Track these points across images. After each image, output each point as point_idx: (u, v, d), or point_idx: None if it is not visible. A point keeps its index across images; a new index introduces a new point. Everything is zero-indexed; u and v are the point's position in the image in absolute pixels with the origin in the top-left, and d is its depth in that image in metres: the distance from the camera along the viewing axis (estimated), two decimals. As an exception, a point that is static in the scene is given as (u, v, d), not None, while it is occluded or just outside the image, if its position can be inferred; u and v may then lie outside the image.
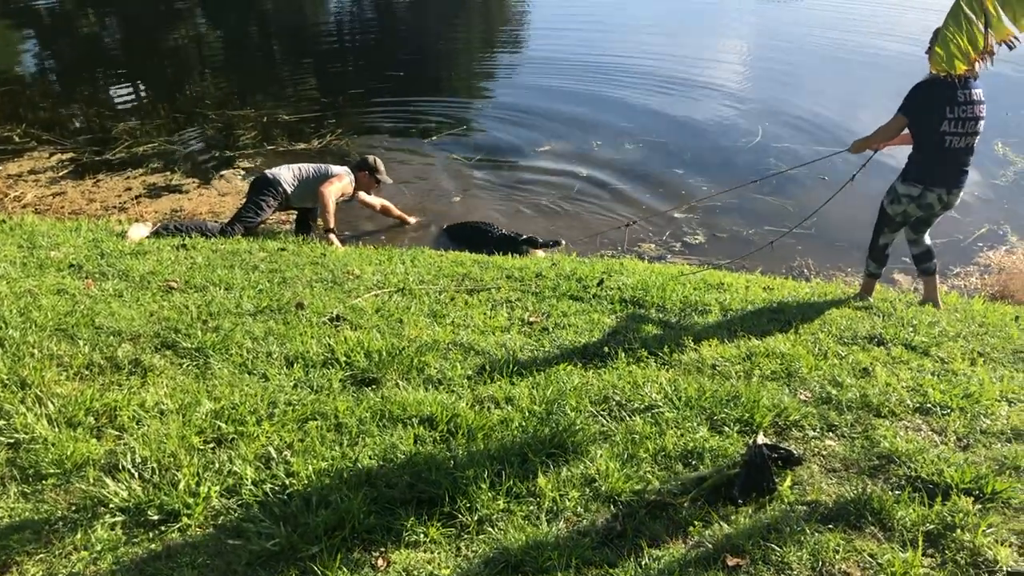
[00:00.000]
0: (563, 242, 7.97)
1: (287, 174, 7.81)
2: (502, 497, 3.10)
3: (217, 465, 3.21)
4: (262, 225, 7.74)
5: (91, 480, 3.09)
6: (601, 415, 3.75)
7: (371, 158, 8.28)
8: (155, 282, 5.32)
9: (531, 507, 3.07)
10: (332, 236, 7.54)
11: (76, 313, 4.53)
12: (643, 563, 2.78)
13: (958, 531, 2.95)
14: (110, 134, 11.08)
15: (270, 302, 4.96)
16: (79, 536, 2.82)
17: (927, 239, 5.70)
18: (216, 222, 7.78)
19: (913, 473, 3.35)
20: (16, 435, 3.33)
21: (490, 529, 2.95)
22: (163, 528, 2.89)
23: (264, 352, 4.23)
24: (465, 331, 4.73)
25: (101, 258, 5.89)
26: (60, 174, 9.62)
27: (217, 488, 3.08)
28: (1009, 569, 2.78)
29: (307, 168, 7.98)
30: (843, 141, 5.77)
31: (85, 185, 9.30)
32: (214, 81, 14.87)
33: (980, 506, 3.14)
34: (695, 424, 3.68)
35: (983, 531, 2.94)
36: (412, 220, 8.63)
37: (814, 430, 3.71)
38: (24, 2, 23.14)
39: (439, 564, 2.77)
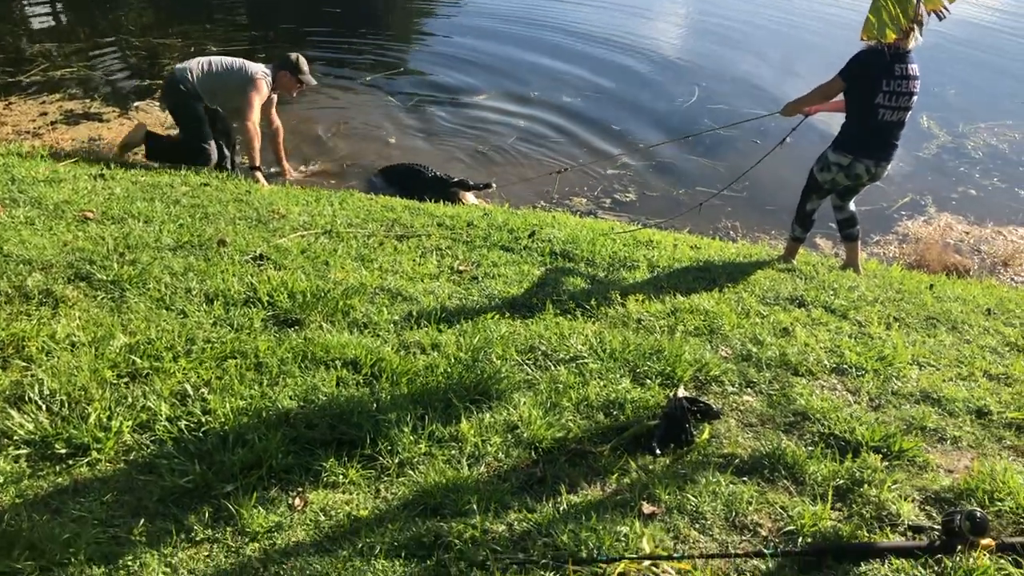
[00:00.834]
0: (494, 185, 7.91)
1: (195, 66, 7.14)
2: (424, 441, 3.08)
3: (130, 400, 3.11)
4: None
5: (-5, 411, 2.97)
6: (527, 364, 3.76)
7: (293, 55, 7.40)
8: (70, 211, 5.10)
9: (453, 452, 3.07)
10: (258, 174, 7.16)
11: (-17, 239, 4.33)
12: (561, 509, 2.81)
13: (866, 487, 3.06)
14: (24, 55, 10.52)
15: (191, 238, 4.81)
16: (-20, 468, 2.72)
17: (852, 206, 5.83)
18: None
19: (826, 430, 3.45)
20: (-86, 362, 3.17)
21: (411, 472, 2.94)
22: (71, 462, 2.80)
23: (183, 288, 4.10)
24: (393, 277, 4.66)
25: (12, 184, 5.60)
26: (-34, 95, 9.13)
27: (129, 423, 2.99)
28: (910, 523, 2.90)
29: (218, 63, 7.23)
30: (778, 105, 5.81)
31: (-5, 107, 8.85)
32: (139, 6, 14.22)
33: (887, 463, 3.25)
34: (618, 376, 3.71)
35: (889, 487, 3.06)
36: (290, 173, 7.94)
37: (733, 386, 3.79)
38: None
39: (358, 505, 2.75)
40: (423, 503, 2.77)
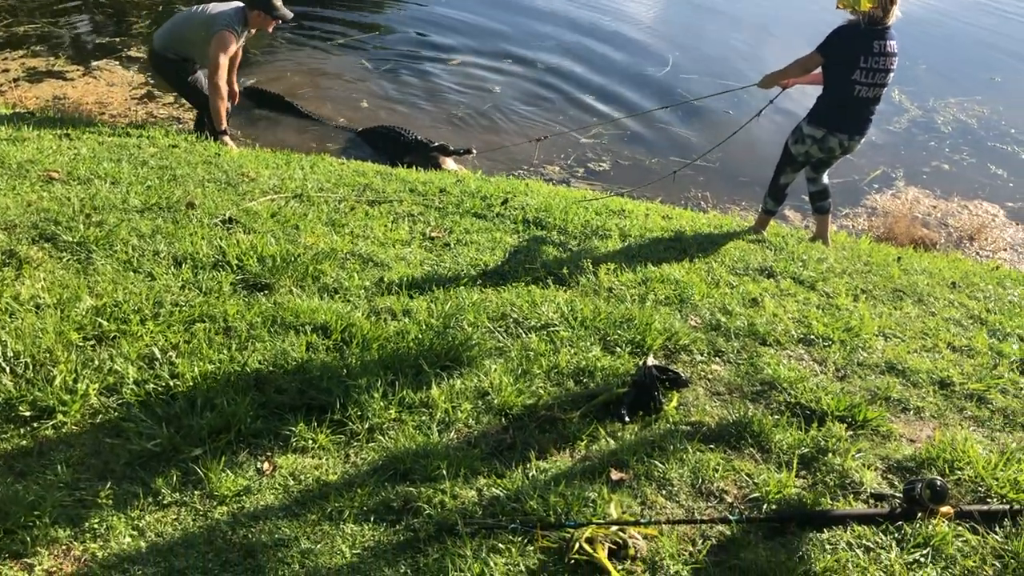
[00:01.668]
0: (474, 151, 7.88)
1: (167, 39, 6.87)
2: (394, 407, 3.08)
3: (97, 363, 3.07)
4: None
5: (-43, 373, 2.92)
6: (498, 331, 3.76)
7: None
8: (34, 171, 4.99)
9: (423, 417, 3.07)
10: (226, 138, 6.88)
11: (-56, 198, 4.23)
12: (530, 474, 2.83)
13: (830, 455, 3.11)
14: (-15, 11, 10.25)
15: (159, 199, 4.73)
16: (-58, 430, 2.68)
17: (825, 179, 5.86)
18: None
19: (792, 399, 3.50)
20: None
21: (380, 438, 2.94)
22: (36, 425, 2.77)
23: (151, 250, 4.05)
24: (364, 242, 4.63)
25: (-27, 142, 5.49)
26: (-74, 50, 8.88)
27: (96, 386, 2.96)
28: (873, 491, 2.95)
29: (182, 15, 6.94)
30: (753, 77, 5.82)
31: (-45, 63, 8.63)
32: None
33: (852, 432, 3.31)
34: (589, 344, 3.73)
35: (852, 456, 3.11)
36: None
37: (702, 355, 3.82)
38: None
39: (327, 470, 2.75)
40: (393, 468, 2.77)
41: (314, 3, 11.98)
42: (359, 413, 3.02)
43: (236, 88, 7.30)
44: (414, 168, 6.92)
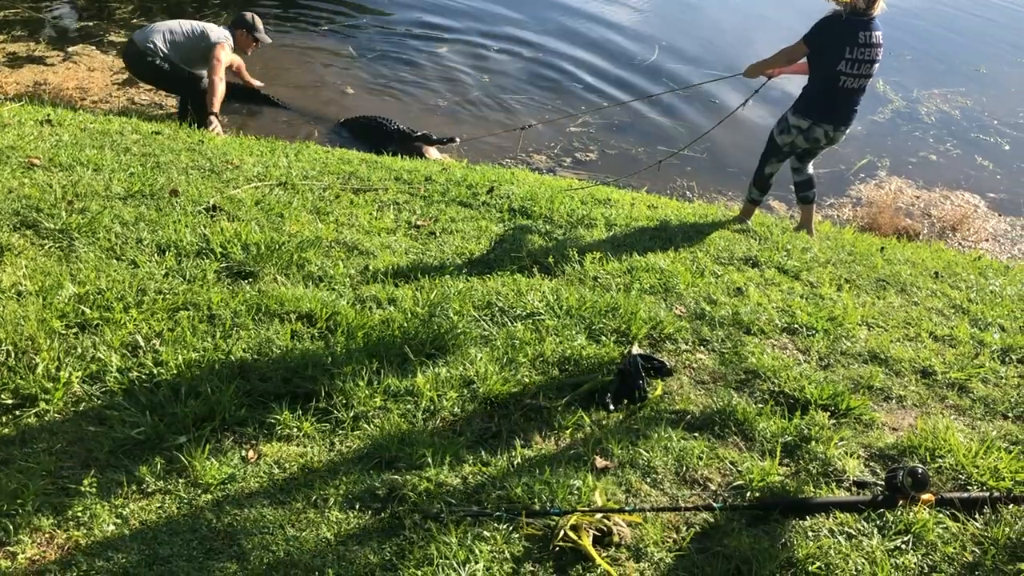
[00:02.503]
0: (458, 140, 7.87)
1: (158, 39, 7.26)
2: (379, 395, 3.08)
3: (80, 351, 3.06)
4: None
5: (-63, 361, 2.90)
6: (483, 320, 3.76)
7: (248, 15, 7.67)
8: (15, 157, 4.94)
9: (408, 406, 3.07)
10: (213, 119, 7.05)
11: (-77, 184, 4.18)
12: (515, 462, 2.83)
13: (813, 443, 3.13)
14: (-36, -5, 10.11)
15: (142, 187, 4.69)
16: (-77, 418, 2.66)
17: (810, 169, 5.88)
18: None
19: (776, 388, 3.52)
20: None
21: (366, 426, 2.94)
22: (18, 413, 2.75)
23: (134, 238, 4.02)
24: (349, 230, 4.62)
25: (-47, 128, 5.42)
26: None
27: (79, 374, 2.94)
28: (855, 479, 2.98)
29: (178, 32, 7.38)
30: (738, 67, 5.83)
31: (-66, 48, 8.51)
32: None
33: (835, 421, 3.33)
34: (574, 332, 3.74)
35: (835, 444, 3.14)
36: (258, 84, 8.22)
37: (687, 344, 3.83)
38: None
39: (312, 458, 2.75)
40: (378, 456, 2.77)
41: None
42: (344, 401, 3.02)
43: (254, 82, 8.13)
44: (399, 157, 6.90)
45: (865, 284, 4.97)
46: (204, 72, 7.38)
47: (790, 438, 3.16)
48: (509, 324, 3.75)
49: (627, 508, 2.65)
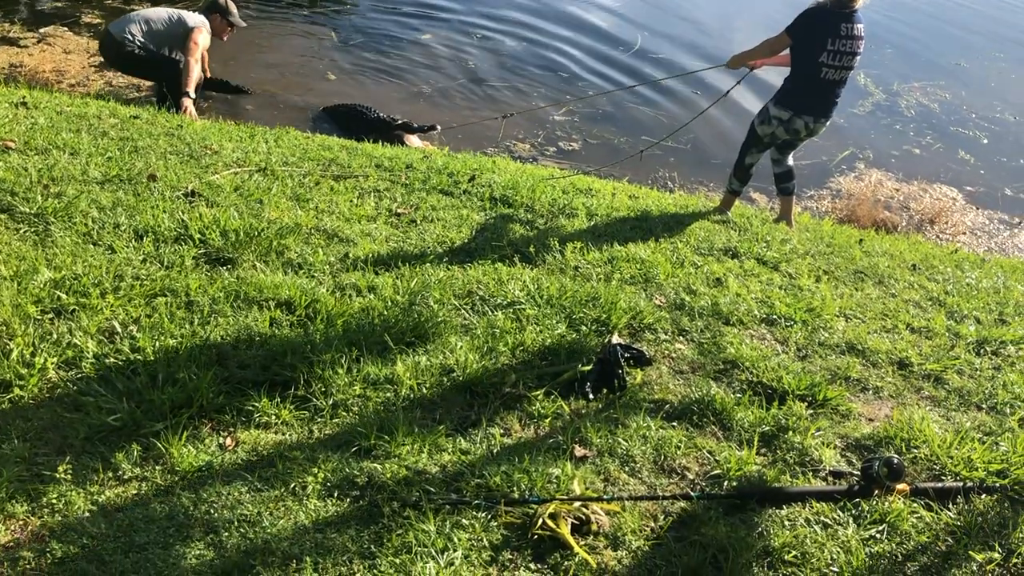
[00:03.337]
0: (438, 128, 7.86)
1: (135, 29, 7.19)
2: (359, 383, 3.07)
3: (55, 336, 3.02)
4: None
5: (-91, 346, 2.86)
6: (464, 308, 3.75)
7: None
8: (-11, 140, 4.88)
9: (388, 394, 3.06)
10: (187, 100, 6.92)
11: None
12: (494, 451, 2.83)
13: (790, 433, 3.16)
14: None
15: (120, 171, 4.64)
16: None
17: (790, 161, 5.91)
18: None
19: (754, 378, 3.54)
20: None
21: (344, 414, 2.93)
22: (-8, 399, 2.72)
23: (111, 223, 3.97)
24: (329, 217, 4.59)
25: (-74, 110, 5.34)
26: None
27: (55, 360, 2.91)
28: (831, 469, 3.00)
29: (156, 20, 7.31)
30: (720, 57, 5.84)
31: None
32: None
33: (812, 411, 3.36)
34: (554, 322, 3.74)
35: (812, 434, 3.16)
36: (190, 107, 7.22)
37: (666, 333, 3.85)
38: None
39: (290, 446, 2.74)
40: (357, 444, 2.77)
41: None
42: (323, 389, 3.01)
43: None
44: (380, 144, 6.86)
45: (843, 276, 5.01)
46: (181, 55, 7.31)
47: (767, 428, 3.18)
48: (490, 313, 3.75)
49: (605, 497, 2.66)
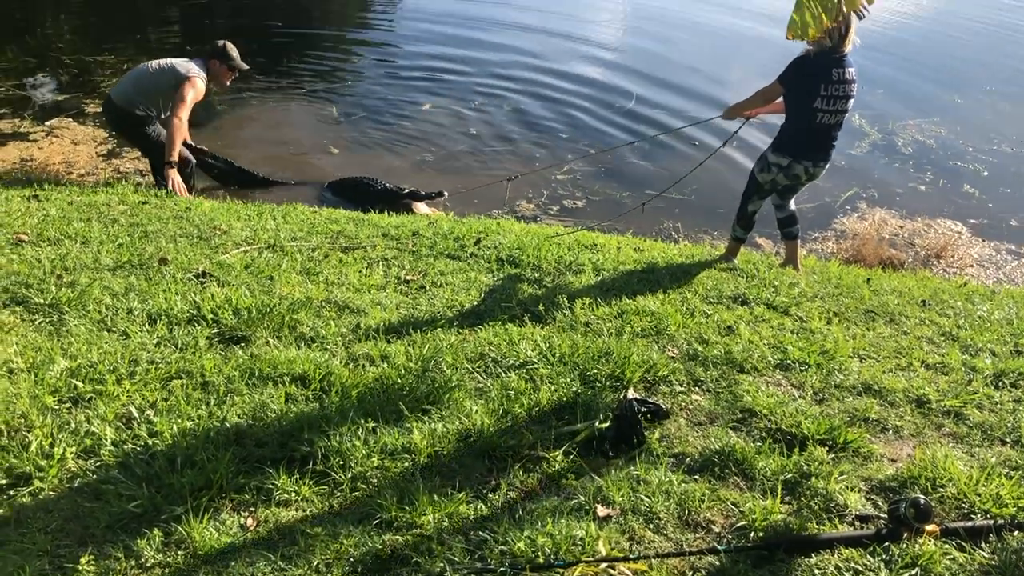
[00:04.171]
0: (446, 193, 7.95)
1: (130, 88, 6.97)
2: (376, 454, 3.07)
3: (73, 425, 3.04)
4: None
5: (-70, 443, 2.87)
6: (477, 372, 3.76)
7: (220, 42, 7.21)
8: (3, 234, 4.96)
9: (406, 464, 3.05)
10: (171, 172, 6.72)
11: (-89, 266, 4.19)
12: (517, 515, 2.81)
13: (813, 479, 3.12)
14: (-52, 75, 10.22)
15: (131, 257, 4.71)
16: (-84, 503, 2.63)
17: (792, 205, 5.95)
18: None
19: (773, 425, 3.51)
20: None
21: (364, 486, 2.92)
22: (12, 493, 2.72)
23: (124, 309, 4.02)
24: (339, 289, 4.63)
25: (-60, 208, 5.44)
26: None
27: (73, 449, 2.92)
28: (857, 513, 2.96)
29: (144, 71, 7.01)
30: (715, 109, 5.94)
31: (-81, 128, 8.57)
32: (69, 24, 13.88)
33: (833, 455, 3.32)
34: (568, 380, 3.73)
35: (836, 478, 3.12)
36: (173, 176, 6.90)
37: (681, 385, 3.83)
38: None
39: (311, 523, 2.72)
40: (378, 516, 2.75)
41: (280, 56, 12.08)
42: (341, 462, 3.00)
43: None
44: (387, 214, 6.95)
45: (854, 316, 5.00)
46: (163, 110, 7.06)
47: (790, 475, 3.15)
48: (503, 374, 3.75)
49: (632, 556, 2.63)
